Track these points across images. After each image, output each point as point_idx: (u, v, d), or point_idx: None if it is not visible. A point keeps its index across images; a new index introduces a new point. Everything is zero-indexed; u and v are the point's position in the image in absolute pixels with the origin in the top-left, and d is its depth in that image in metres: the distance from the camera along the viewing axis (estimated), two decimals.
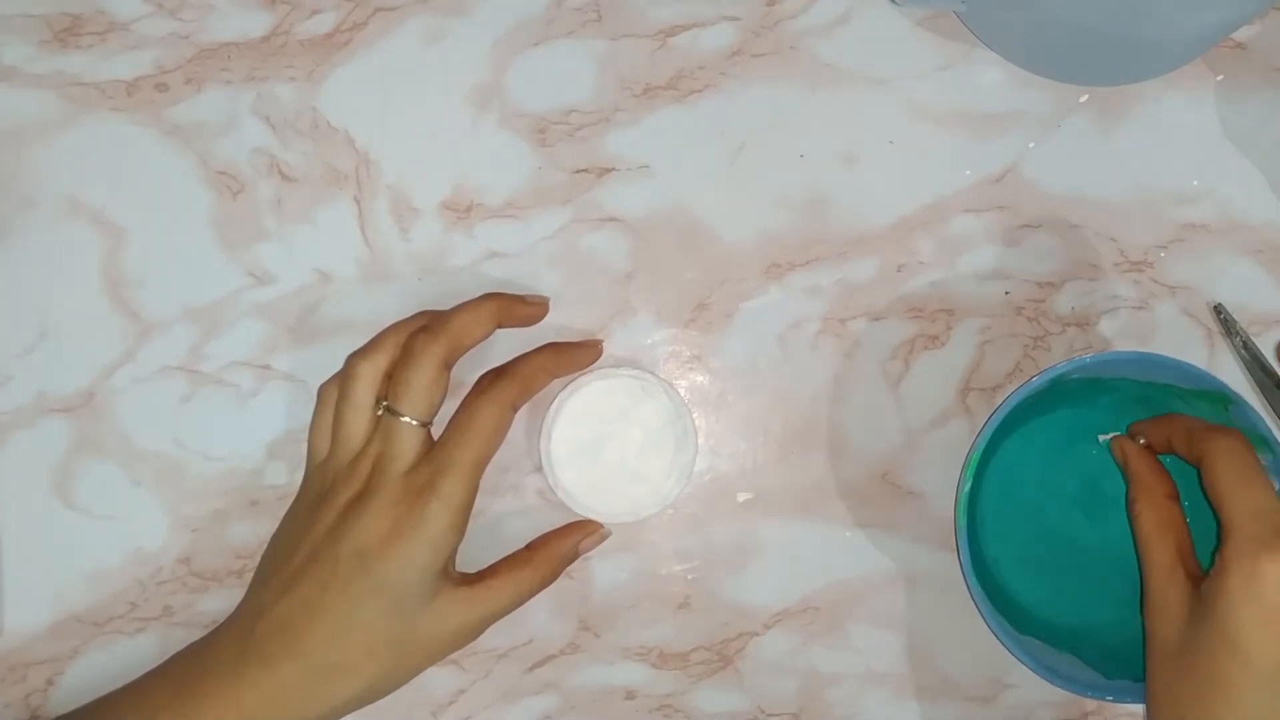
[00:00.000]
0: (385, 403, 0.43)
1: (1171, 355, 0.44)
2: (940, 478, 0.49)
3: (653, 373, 0.46)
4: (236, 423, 0.47)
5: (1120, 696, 0.43)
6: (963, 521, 0.43)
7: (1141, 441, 0.46)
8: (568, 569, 0.46)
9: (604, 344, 0.48)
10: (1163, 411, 0.47)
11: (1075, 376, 0.44)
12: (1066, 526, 0.48)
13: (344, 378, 0.44)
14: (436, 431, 0.43)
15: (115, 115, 0.48)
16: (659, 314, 0.48)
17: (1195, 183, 0.49)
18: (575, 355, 0.46)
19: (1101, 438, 0.48)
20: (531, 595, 0.44)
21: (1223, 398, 0.43)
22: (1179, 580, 0.41)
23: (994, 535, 0.48)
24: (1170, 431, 0.44)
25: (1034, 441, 0.48)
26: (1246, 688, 0.37)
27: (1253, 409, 0.43)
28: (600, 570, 0.48)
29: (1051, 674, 0.43)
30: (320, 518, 0.42)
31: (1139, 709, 0.49)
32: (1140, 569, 0.43)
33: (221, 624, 0.43)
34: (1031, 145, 0.49)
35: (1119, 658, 0.45)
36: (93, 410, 0.47)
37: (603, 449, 0.45)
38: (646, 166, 0.48)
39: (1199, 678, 0.39)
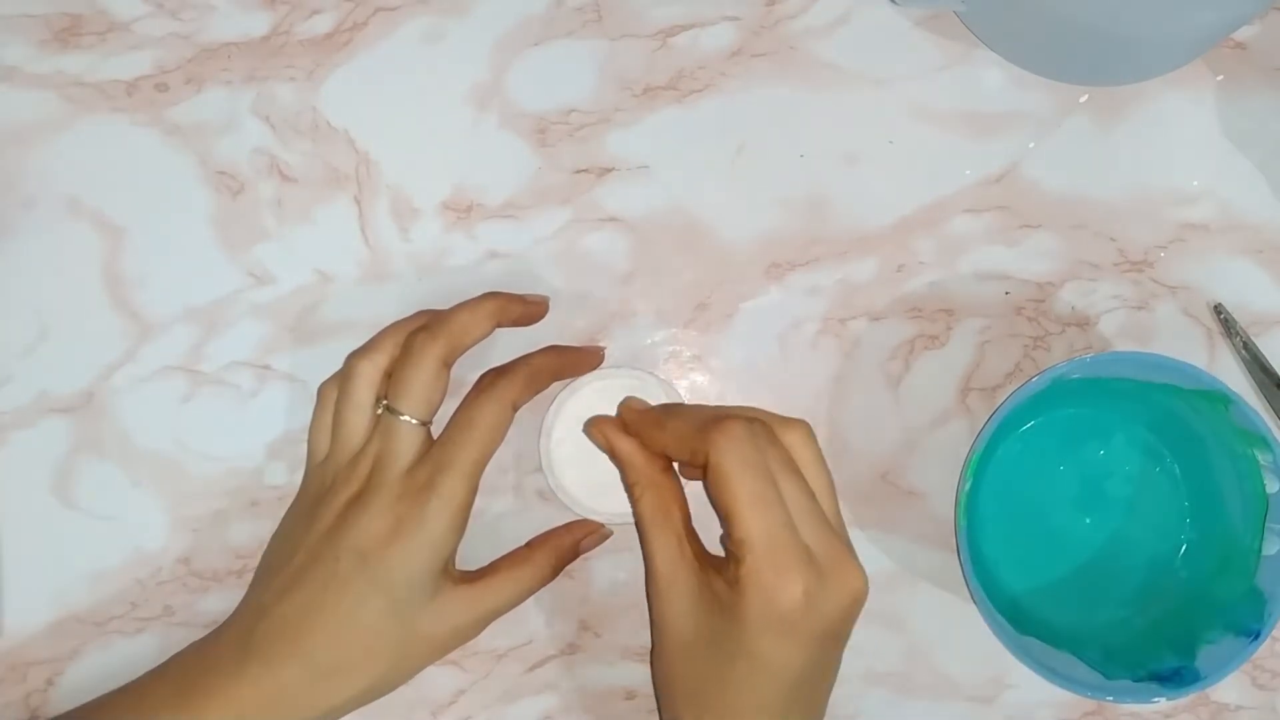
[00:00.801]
0: (385, 402, 0.43)
1: (1171, 355, 0.44)
2: (940, 478, 0.49)
3: (653, 373, 0.46)
4: (236, 423, 0.47)
5: (1120, 696, 0.43)
6: (963, 521, 0.43)
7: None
8: (567, 569, 0.46)
9: (604, 344, 0.48)
10: (1162, 412, 0.47)
11: (1075, 376, 0.44)
12: (1067, 527, 0.48)
13: (344, 377, 0.44)
14: (436, 431, 0.43)
15: (115, 115, 0.48)
16: (659, 314, 0.48)
17: (1195, 183, 0.49)
18: (577, 359, 0.46)
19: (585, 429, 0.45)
20: (531, 593, 0.44)
21: (1222, 398, 0.43)
22: (686, 565, 0.40)
23: (994, 535, 0.48)
24: (660, 436, 0.41)
25: (1034, 442, 0.48)
26: (771, 695, 0.38)
27: (1252, 409, 0.43)
28: (600, 570, 0.48)
29: (1051, 674, 0.43)
30: (320, 517, 0.42)
31: (1139, 709, 0.49)
32: (643, 551, 0.41)
33: (222, 624, 0.43)
34: (1031, 145, 0.49)
35: (1118, 658, 0.45)
36: (93, 410, 0.47)
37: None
38: (646, 166, 0.48)
39: (722, 679, 0.38)
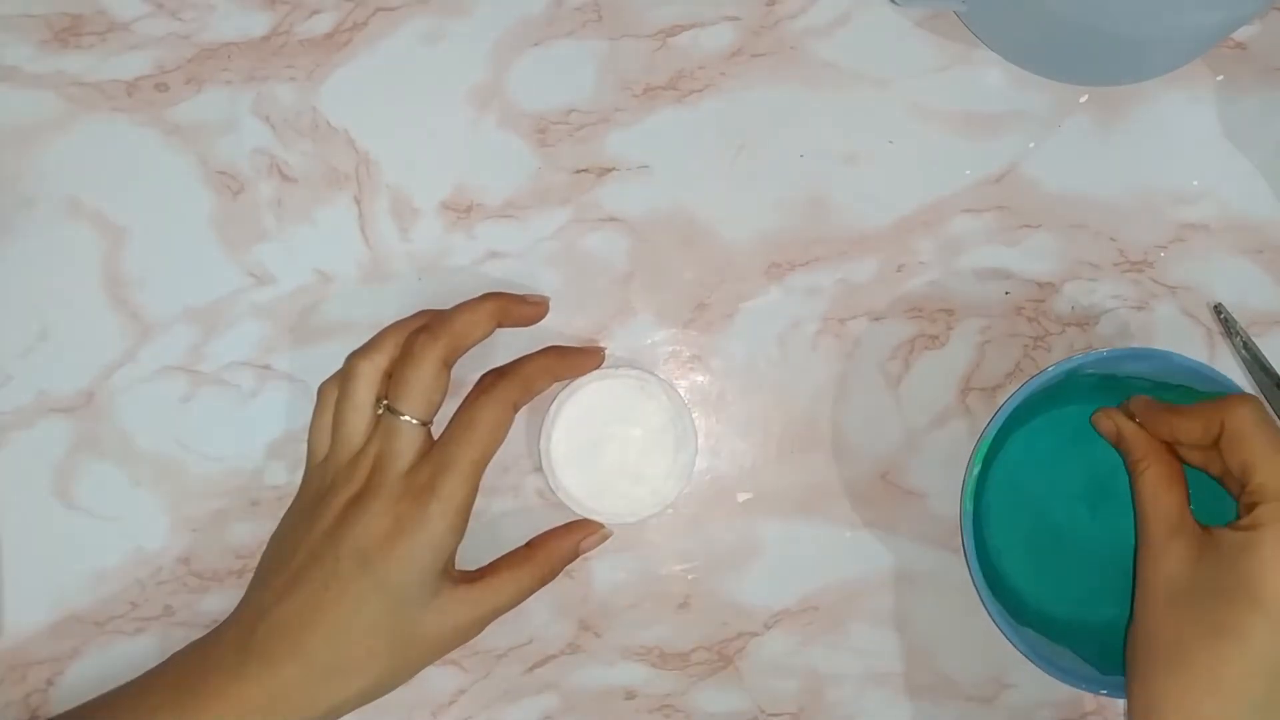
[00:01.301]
0: (385, 402, 0.43)
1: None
2: (940, 477, 0.49)
3: (653, 373, 0.46)
4: (237, 423, 0.47)
5: (1115, 692, 0.43)
6: (969, 507, 0.43)
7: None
8: (568, 568, 0.46)
9: (604, 344, 0.48)
10: None
11: (1090, 371, 0.44)
12: (1071, 522, 0.48)
13: (344, 377, 0.44)
14: (437, 431, 0.43)
15: (115, 115, 0.48)
16: (659, 314, 0.48)
17: (1195, 183, 0.49)
18: (577, 360, 0.46)
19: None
20: (531, 593, 0.44)
21: None
22: (1187, 527, 0.42)
23: (998, 525, 0.48)
24: (1171, 418, 0.44)
25: (1044, 435, 0.48)
26: (1260, 632, 0.39)
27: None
28: (600, 570, 0.48)
29: (1048, 664, 0.43)
30: (320, 517, 0.42)
31: None
32: (1138, 524, 0.43)
33: (222, 624, 0.43)
34: (1031, 145, 0.49)
35: (1116, 654, 0.45)
36: (93, 410, 0.47)
37: (603, 449, 0.45)
38: (646, 166, 0.48)
39: (1210, 621, 0.39)
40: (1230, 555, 0.40)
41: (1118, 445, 0.46)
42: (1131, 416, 0.45)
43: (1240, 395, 0.42)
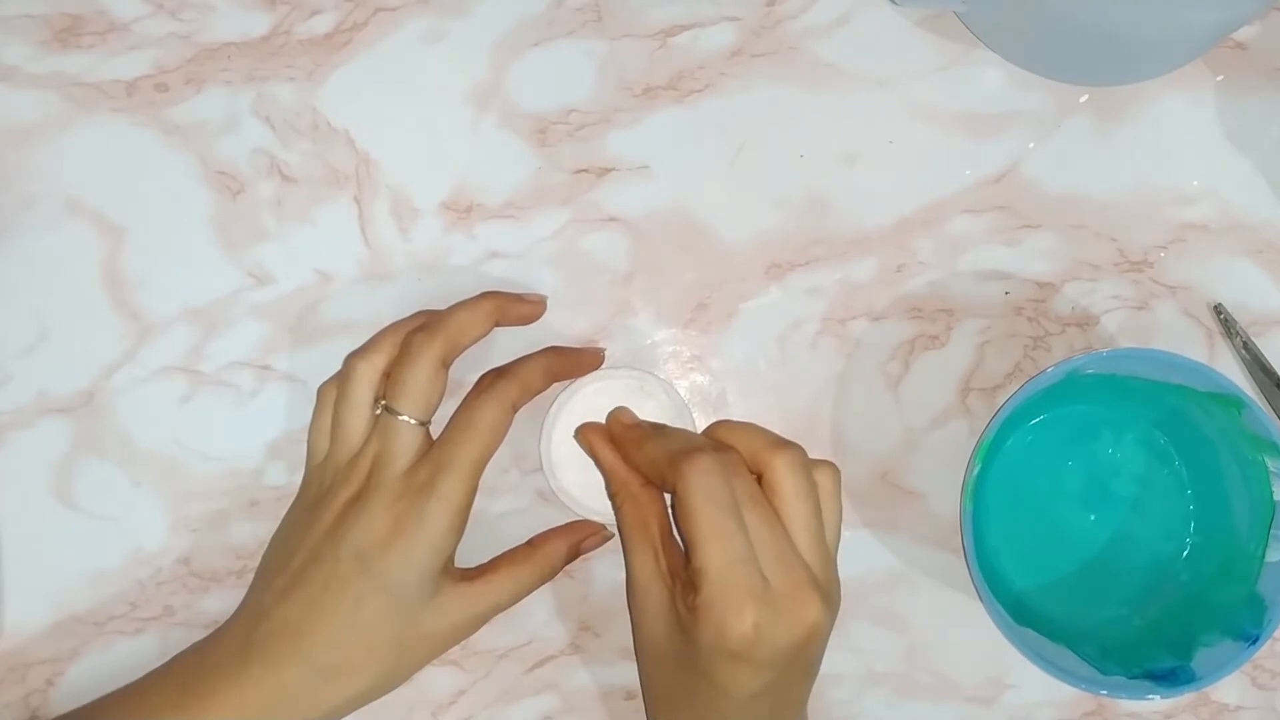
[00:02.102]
0: (384, 402, 0.43)
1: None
2: (940, 478, 0.49)
3: (653, 373, 0.46)
4: (236, 423, 0.47)
5: (1114, 692, 0.43)
6: (968, 506, 0.43)
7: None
8: (567, 568, 0.46)
9: (604, 344, 0.48)
10: (1173, 413, 0.47)
11: (1090, 371, 0.44)
12: (1070, 522, 0.48)
13: (342, 377, 0.44)
14: (435, 431, 0.43)
15: (115, 115, 0.48)
16: (659, 314, 0.48)
17: (1195, 183, 0.49)
18: (577, 360, 0.46)
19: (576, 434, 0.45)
20: (530, 591, 0.45)
21: (1236, 401, 0.43)
22: (660, 580, 0.41)
23: (997, 525, 0.48)
24: (636, 457, 0.42)
25: (1043, 435, 0.48)
26: (730, 710, 0.39)
27: (1266, 414, 0.43)
28: (600, 570, 0.48)
29: (1046, 664, 0.43)
30: (320, 518, 0.42)
31: (1139, 709, 0.49)
32: (625, 557, 0.42)
33: (222, 625, 0.43)
34: (1031, 145, 0.49)
35: (1115, 655, 0.45)
36: (93, 410, 0.47)
37: None
38: (646, 166, 0.48)
39: (688, 689, 0.40)
40: (684, 631, 0.39)
41: (598, 469, 0.44)
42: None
43: (694, 459, 0.38)
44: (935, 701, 0.49)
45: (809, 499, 0.40)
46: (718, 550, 0.38)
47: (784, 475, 0.40)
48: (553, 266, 0.48)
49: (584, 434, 0.45)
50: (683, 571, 0.40)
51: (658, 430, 0.44)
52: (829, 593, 0.39)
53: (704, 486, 0.38)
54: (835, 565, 0.41)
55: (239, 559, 0.47)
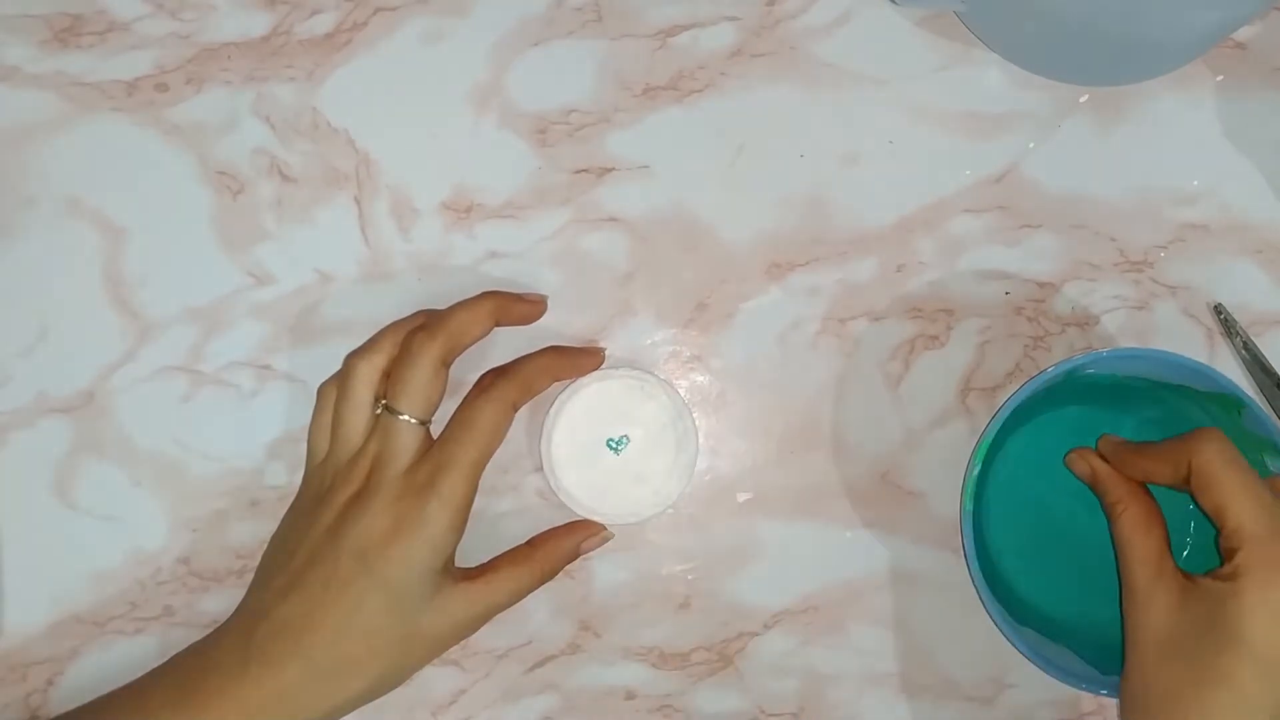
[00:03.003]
0: (384, 402, 0.43)
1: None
2: (940, 478, 0.49)
3: (653, 373, 0.46)
4: (236, 423, 0.47)
5: (1114, 692, 0.43)
6: (969, 506, 0.43)
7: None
8: (567, 568, 0.46)
9: (604, 344, 0.48)
10: (1173, 413, 0.47)
11: (1090, 371, 0.44)
12: (1070, 522, 0.48)
13: (342, 377, 0.44)
14: (436, 431, 0.43)
15: (115, 115, 0.48)
16: (659, 314, 0.48)
17: (1195, 183, 0.49)
18: (577, 360, 0.46)
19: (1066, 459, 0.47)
20: (530, 591, 0.45)
21: (1236, 402, 0.43)
22: (1168, 572, 0.41)
23: (998, 525, 0.48)
24: (1140, 461, 0.43)
25: (1043, 435, 0.48)
26: (1250, 679, 0.38)
27: (1266, 414, 0.43)
28: (600, 570, 0.48)
29: (1046, 664, 0.43)
30: (320, 518, 0.42)
31: None
32: (1120, 567, 0.43)
33: (222, 625, 0.43)
34: (1031, 145, 0.49)
35: (1115, 654, 0.45)
36: (93, 410, 0.47)
37: (604, 450, 0.45)
38: (646, 166, 0.48)
39: (1200, 670, 0.39)
40: (1215, 603, 0.39)
41: (1093, 487, 0.45)
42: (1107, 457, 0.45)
43: (1205, 432, 0.41)
44: (936, 701, 0.49)
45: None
46: (1253, 506, 0.39)
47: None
48: (553, 266, 0.48)
49: (1077, 455, 0.46)
50: (1186, 573, 0.41)
51: (1144, 444, 0.44)
52: None
53: (1224, 451, 0.40)
54: None
55: (239, 559, 0.47)
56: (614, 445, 0.45)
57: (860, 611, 0.48)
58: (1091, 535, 0.48)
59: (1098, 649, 0.45)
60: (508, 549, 0.45)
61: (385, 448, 0.42)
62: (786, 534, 0.48)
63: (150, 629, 0.47)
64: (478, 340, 0.44)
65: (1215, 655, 0.39)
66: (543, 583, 0.45)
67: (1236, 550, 0.39)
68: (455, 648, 0.45)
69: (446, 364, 0.43)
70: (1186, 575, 0.41)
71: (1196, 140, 0.50)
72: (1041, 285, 0.49)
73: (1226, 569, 0.39)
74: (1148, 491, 0.44)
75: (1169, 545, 0.43)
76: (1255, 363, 0.48)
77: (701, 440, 0.48)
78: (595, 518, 0.46)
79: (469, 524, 0.42)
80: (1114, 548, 0.43)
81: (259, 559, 0.45)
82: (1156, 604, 0.41)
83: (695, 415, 0.47)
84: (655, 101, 0.49)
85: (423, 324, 0.43)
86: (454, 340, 0.43)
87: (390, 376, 0.43)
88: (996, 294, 0.49)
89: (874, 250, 0.49)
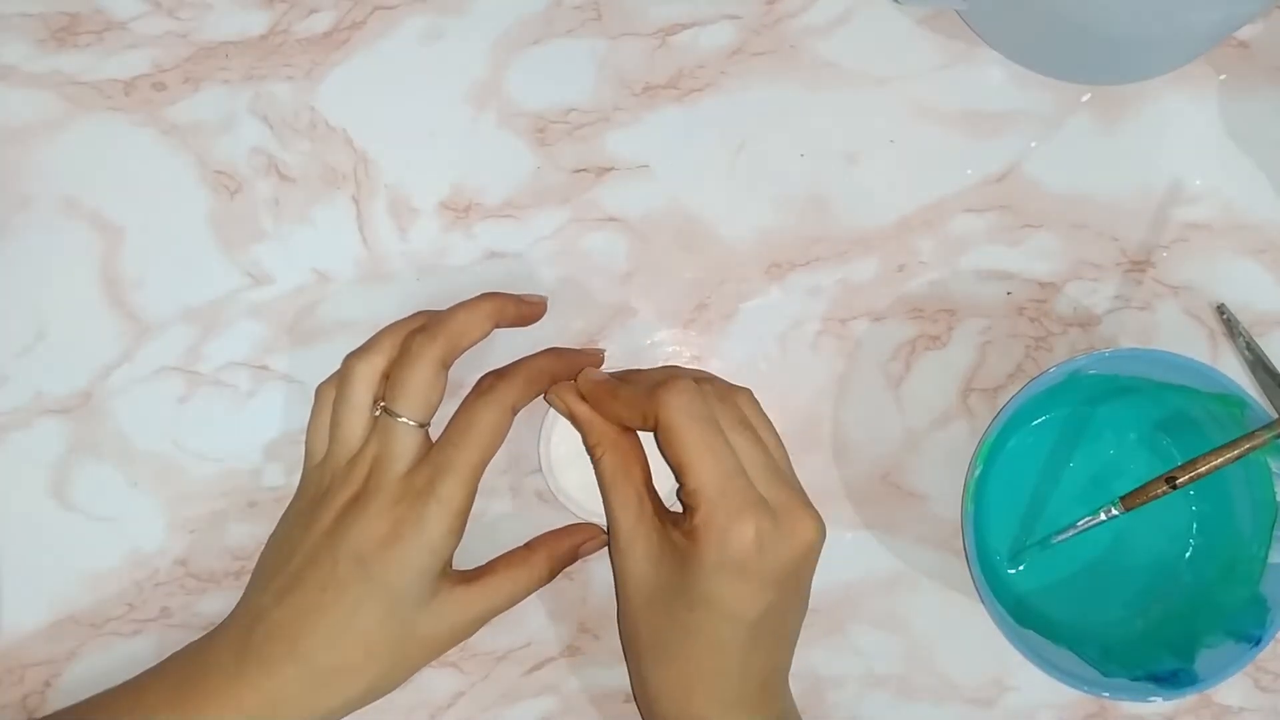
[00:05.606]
0: (383, 403, 0.43)
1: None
2: (941, 479, 0.48)
3: None
4: (234, 424, 0.47)
5: (1116, 694, 0.43)
6: (970, 508, 0.43)
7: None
8: (566, 570, 0.46)
9: (604, 344, 0.48)
10: (1175, 413, 0.46)
11: (1092, 372, 0.44)
12: (1072, 522, 0.48)
13: (341, 378, 0.44)
14: (435, 433, 0.43)
15: (113, 115, 0.47)
16: (659, 314, 0.48)
17: (1198, 182, 0.49)
18: (577, 361, 0.46)
19: (545, 397, 0.45)
20: (528, 594, 0.44)
21: (1238, 402, 0.43)
22: (646, 521, 0.41)
23: (999, 526, 0.47)
24: (614, 406, 0.42)
25: (1045, 436, 0.48)
26: (730, 638, 0.39)
27: (1269, 414, 0.43)
28: (599, 572, 0.48)
29: (1048, 666, 0.43)
30: (318, 519, 0.42)
31: (1140, 709, 0.49)
32: (604, 509, 0.43)
33: (219, 626, 0.43)
34: (1033, 144, 0.49)
35: (1117, 657, 0.45)
36: (90, 411, 0.47)
37: None
38: (646, 166, 0.48)
39: (684, 627, 0.40)
40: (681, 560, 0.39)
41: (572, 424, 0.44)
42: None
43: (673, 383, 0.40)
44: (936, 703, 0.48)
45: (774, 429, 0.42)
46: (710, 464, 0.38)
47: (748, 407, 0.42)
48: (552, 266, 0.48)
49: (555, 392, 0.44)
50: (668, 513, 0.41)
51: (629, 373, 0.44)
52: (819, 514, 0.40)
53: (685, 406, 0.39)
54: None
55: (236, 560, 0.47)
56: None
57: (861, 613, 0.48)
58: (1096, 537, 0.48)
59: (1099, 650, 0.45)
60: (506, 551, 0.45)
61: (384, 450, 0.42)
62: None
63: (148, 630, 0.47)
64: (477, 342, 0.44)
65: (688, 611, 0.39)
66: (541, 585, 0.45)
67: (695, 510, 0.39)
68: (454, 650, 0.45)
69: (446, 366, 0.43)
70: (664, 516, 0.41)
71: (1199, 139, 0.49)
72: (1043, 285, 0.49)
73: (687, 527, 0.39)
74: (630, 433, 0.43)
75: (650, 488, 0.42)
76: (1258, 363, 0.48)
77: None
78: (594, 520, 0.46)
79: (468, 526, 0.42)
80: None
81: (256, 560, 0.45)
82: (636, 551, 0.41)
83: None
84: (655, 101, 0.48)
85: (422, 325, 0.43)
86: (453, 342, 0.43)
87: (389, 378, 0.43)
88: (998, 294, 0.49)
89: (875, 250, 0.49)
